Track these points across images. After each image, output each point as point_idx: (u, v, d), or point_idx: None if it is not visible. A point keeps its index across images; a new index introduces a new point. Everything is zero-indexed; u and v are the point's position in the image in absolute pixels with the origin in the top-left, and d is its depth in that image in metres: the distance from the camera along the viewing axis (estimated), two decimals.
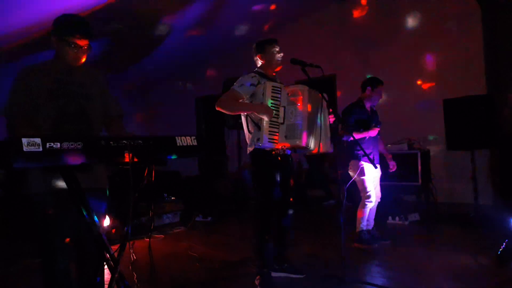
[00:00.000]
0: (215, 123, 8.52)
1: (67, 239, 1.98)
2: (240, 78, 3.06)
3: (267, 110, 2.87)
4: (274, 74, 3.21)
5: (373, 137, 3.94)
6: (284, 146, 2.95)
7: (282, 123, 2.91)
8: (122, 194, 2.50)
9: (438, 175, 5.60)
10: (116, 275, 1.75)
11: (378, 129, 3.93)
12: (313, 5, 7.22)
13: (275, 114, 2.89)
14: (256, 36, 4.49)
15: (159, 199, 5.71)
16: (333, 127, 3.23)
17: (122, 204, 4.35)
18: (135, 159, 1.67)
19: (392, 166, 4.16)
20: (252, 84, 2.99)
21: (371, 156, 3.65)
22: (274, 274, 3.12)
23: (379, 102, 4.16)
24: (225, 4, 6.50)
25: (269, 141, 2.87)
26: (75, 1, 5.03)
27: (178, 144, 1.80)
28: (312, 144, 2.95)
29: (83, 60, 2.16)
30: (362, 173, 3.86)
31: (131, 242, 4.22)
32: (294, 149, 3.09)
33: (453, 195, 5.68)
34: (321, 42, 7.18)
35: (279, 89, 2.94)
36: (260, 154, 2.99)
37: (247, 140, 3.12)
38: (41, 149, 1.40)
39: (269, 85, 2.92)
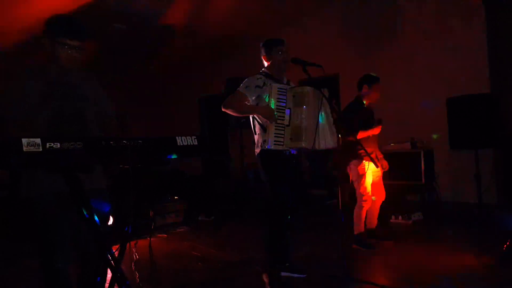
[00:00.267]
0: (218, 123, 8.53)
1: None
2: (246, 80, 3.07)
3: (269, 114, 2.88)
4: (281, 74, 3.17)
5: (374, 135, 3.91)
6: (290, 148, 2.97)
7: (288, 125, 2.93)
8: (124, 194, 2.50)
9: (441, 174, 5.57)
10: (118, 275, 1.76)
11: (381, 126, 3.89)
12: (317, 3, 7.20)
13: (281, 116, 2.90)
14: (258, 35, 4.48)
15: (162, 199, 5.71)
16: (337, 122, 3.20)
17: (124, 204, 4.35)
18: (135, 159, 1.68)
19: (385, 166, 4.05)
20: (257, 86, 3.00)
21: (372, 155, 3.62)
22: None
23: (378, 100, 4.08)
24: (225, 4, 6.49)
25: (275, 144, 2.90)
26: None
27: (178, 144, 1.80)
28: (317, 144, 2.95)
29: (78, 60, 2.11)
30: (362, 173, 3.84)
31: (133, 242, 4.28)
32: (299, 148, 3.09)
33: (456, 195, 5.62)
34: (324, 41, 7.16)
35: (284, 91, 2.95)
36: (268, 155, 3.00)
37: (255, 140, 3.13)
38: (41, 149, 1.40)
39: (274, 87, 2.95)
